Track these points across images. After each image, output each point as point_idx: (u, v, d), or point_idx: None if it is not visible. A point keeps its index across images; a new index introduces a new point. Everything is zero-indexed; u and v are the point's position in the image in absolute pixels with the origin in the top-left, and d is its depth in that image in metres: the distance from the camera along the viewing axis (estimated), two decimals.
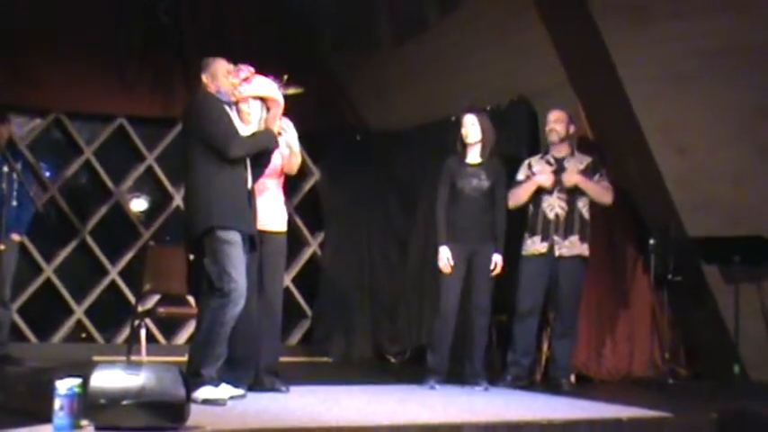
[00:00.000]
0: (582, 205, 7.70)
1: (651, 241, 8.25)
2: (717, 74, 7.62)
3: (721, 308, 8.23)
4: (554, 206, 7.71)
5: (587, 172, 7.72)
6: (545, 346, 8.10)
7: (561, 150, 7.80)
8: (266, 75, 6.75)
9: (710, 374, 8.30)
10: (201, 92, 6.33)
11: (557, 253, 7.65)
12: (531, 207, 7.79)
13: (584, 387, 7.90)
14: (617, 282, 8.56)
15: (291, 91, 6.93)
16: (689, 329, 8.63)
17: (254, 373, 6.66)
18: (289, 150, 6.87)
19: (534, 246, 7.72)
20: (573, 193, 7.69)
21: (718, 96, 7.72)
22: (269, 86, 6.72)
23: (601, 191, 7.71)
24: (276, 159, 6.64)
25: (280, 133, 6.51)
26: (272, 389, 6.66)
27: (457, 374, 7.54)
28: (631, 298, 8.58)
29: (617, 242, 8.55)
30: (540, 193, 7.75)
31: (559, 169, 7.75)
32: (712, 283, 8.29)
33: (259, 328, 6.67)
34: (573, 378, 7.90)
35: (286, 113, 6.75)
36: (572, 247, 7.65)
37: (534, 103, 8.78)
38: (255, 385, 6.63)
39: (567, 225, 7.67)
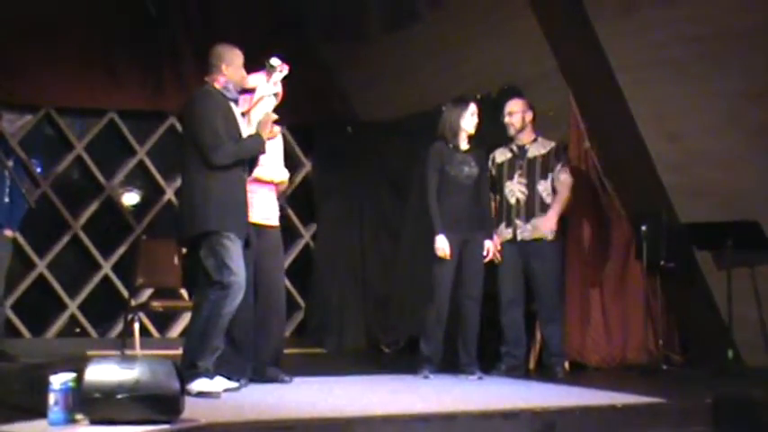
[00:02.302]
0: (542, 189, 7.73)
1: (643, 228, 8.24)
2: (707, 60, 7.62)
3: (714, 293, 8.24)
4: (514, 191, 7.75)
5: (549, 157, 7.75)
6: (538, 335, 8.11)
7: (524, 138, 7.83)
8: (256, 71, 6.73)
9: (704, 360, 8.30)
10: (202, 89, 6.26)
11: (519, 237, 7.68)
12: (498, 198, 7.83)
13: (579, 374, 7.92)
14: (609, 269, 8.55)
15: (279, 69, 6.82)
16: (682, 315, 8.65)
17: (255, 365, 6.68)
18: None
19: (502, 233, 7.74)
20: (532, 177, 7.72)
21: (708, 82, 7.71)
22: (271, 85, 6.69)
23: (565, 198, 7.74)
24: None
25: (272, 137, 6.46)
26: (276, 380, 6.68)
27: (450, 364, 7.55)
28: (624, 285, 8.58)
29: (609, 229, 8.55)
30: (501, 179, 7.78)
31: (522, 155, 7.77)
32: (705, 269, 8.31)
33: (263, 319, 6.68)
34: (567, 365, 7.92)
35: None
36: (534, 230, 7.67)
37: (525, 92, 8.76)
38: (258, 376, 6.65)
39: (528, 208, 7.71)
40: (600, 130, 8.45)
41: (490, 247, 7.48)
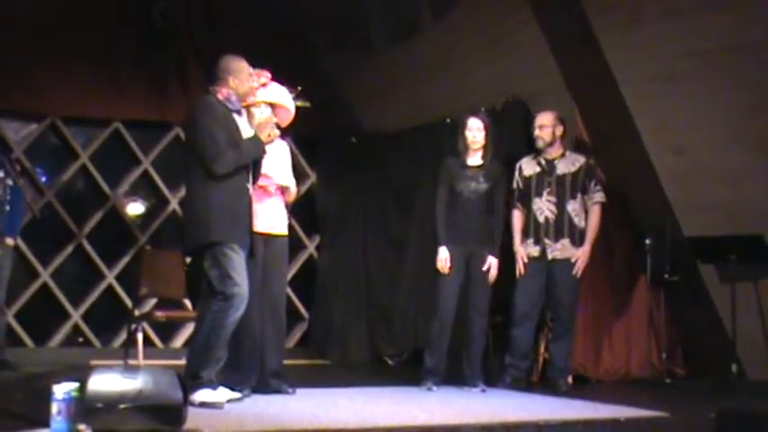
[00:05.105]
0: (571, 209, 7.70)
1: (647, 241, 8.25)
2: (711, 73, 7.64)
3: (718, 307, 8.24)
4: (543, 209, 7.72)
5: (579, 176, 7.72)
6: (542, 348, 8.10)
7: (553, 152, 7.79)
8: (280, 83, 6.77)
9: (708, 374, 8.30)
10: (203, 99, 6.26)
11: (549, 256, 7.66)
12: (526, 210, 7.81)
13: (582, 387, 7.89)
14: (614, 282, 8.55)
15: (300, 103, 6.96)
16: (686, 329, 8.64)
17: (259, 375, 6.68)
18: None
19: (527, 249, 7.73)
20: (562, 196, 7.70)
21: (712, 96, 7.73)
22: (283, 94, 6.75)
23: (597, 221, 7.74)
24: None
25: (270, 140, 6.44)
26: (278, 391, 6.67)
27: (454, 376, 7.54)
28: (628, 298, 8.58)
29: (613, 243, 8.54)
30: (529, 195, 7.77)
31: (550, 171, 7.75)
32: (709, 283, 8.30)
33: (263, 329, 6.68)
34: (570, 379, 7.90)
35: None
36: (564, 250, 7.65)
37: (529, 104, 8.78)
38: (261, 387, 6.65)
39: (557, 228, 7.67)
40: (604, 144, 8.45)
41: (492, 263, 7.46)
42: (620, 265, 8.58)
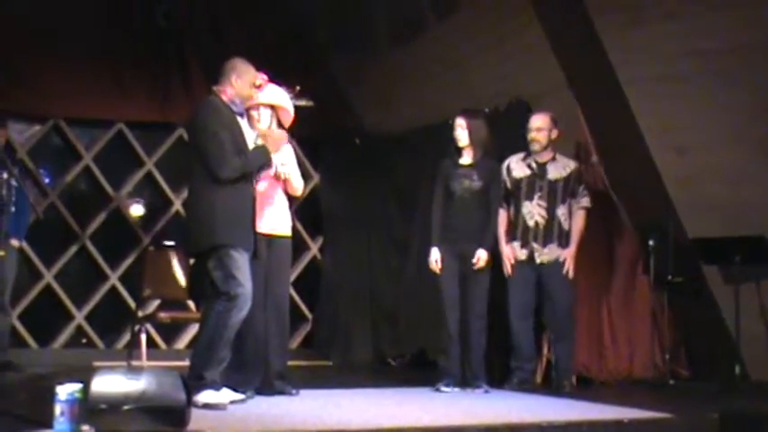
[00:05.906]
0: (561, 213, 7.71)
1: (650, 242, 8.24)
2: (714, 74, 7.63)
3: (722, 308, 8.22)
4: (533, 213, 7.72)
5: (570, 181, 7.73)
6: (545, 350, 8.10)
7: (545, 155, 7.79)
8: (278, 84, 6.77)
9: (711, 375, 8.29)
10: (208, 99, 6.25)
11: (537, 260, 7.68)
12: (512, 211, 7.80)
13: (585, 389, 7.89)
14: (617, 283, 8.54)
15: (303, 103, 6.96)
16: (689, 330, 8.62)
17: (263, 377, 6.68)
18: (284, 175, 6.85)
19: (515, 252, 7.73)
20: (553, 202, 7.70)
21: (716, 96, 7.72)
22: (281, 95, 6.75)
23: (583, 229, 7.75)
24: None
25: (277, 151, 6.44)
26: (282, 392, 6.68)
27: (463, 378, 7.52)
28: (631, 299, 8.57)
29: (616, 244, 8.54)
30: (519, 197, 7.76)
31: (542, 174, 7.74)
32: (712, 284, 8.29)
33: (267, 331, 6.68)
34: (574, 380, 7.90)
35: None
36: (551, 253, 7.66)
37: (532, 105, 8.75)
38: (264, 388, 6.65)
39: (547, 233, 7.68)
40: (607, 144, 8.45)
41: (481, 256, 7.39)
42: (622, 266, 8.57)
